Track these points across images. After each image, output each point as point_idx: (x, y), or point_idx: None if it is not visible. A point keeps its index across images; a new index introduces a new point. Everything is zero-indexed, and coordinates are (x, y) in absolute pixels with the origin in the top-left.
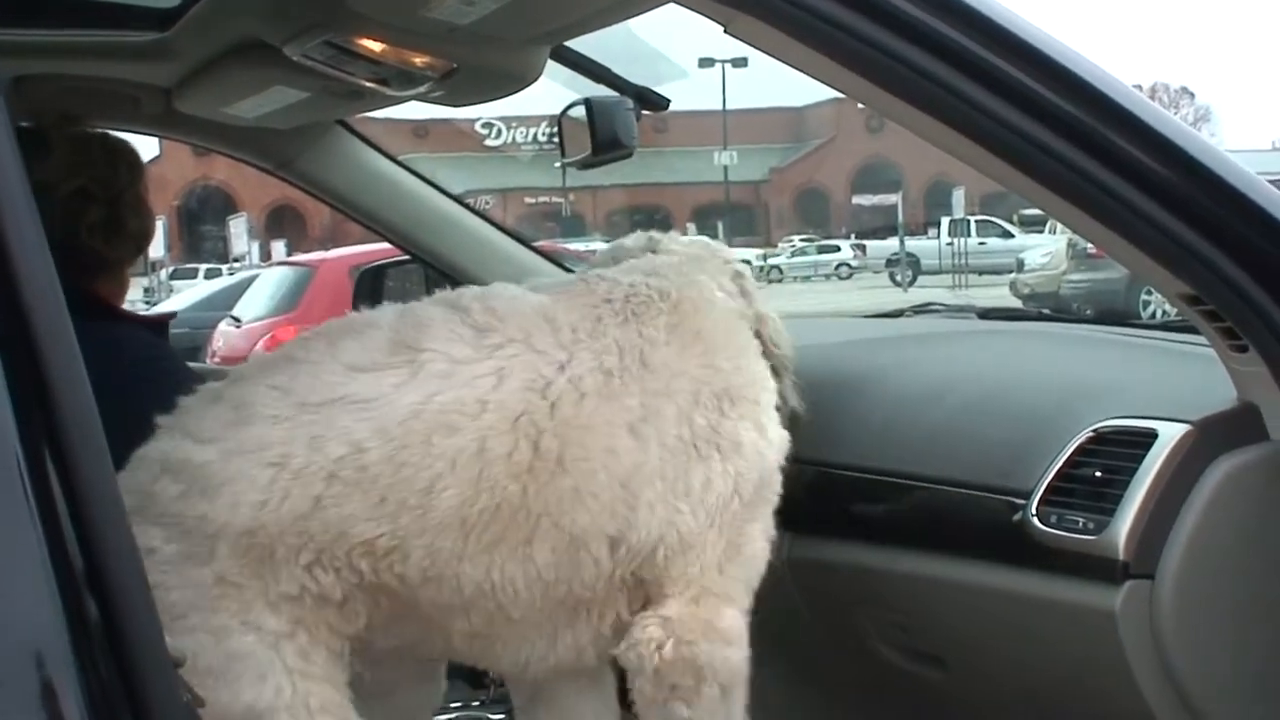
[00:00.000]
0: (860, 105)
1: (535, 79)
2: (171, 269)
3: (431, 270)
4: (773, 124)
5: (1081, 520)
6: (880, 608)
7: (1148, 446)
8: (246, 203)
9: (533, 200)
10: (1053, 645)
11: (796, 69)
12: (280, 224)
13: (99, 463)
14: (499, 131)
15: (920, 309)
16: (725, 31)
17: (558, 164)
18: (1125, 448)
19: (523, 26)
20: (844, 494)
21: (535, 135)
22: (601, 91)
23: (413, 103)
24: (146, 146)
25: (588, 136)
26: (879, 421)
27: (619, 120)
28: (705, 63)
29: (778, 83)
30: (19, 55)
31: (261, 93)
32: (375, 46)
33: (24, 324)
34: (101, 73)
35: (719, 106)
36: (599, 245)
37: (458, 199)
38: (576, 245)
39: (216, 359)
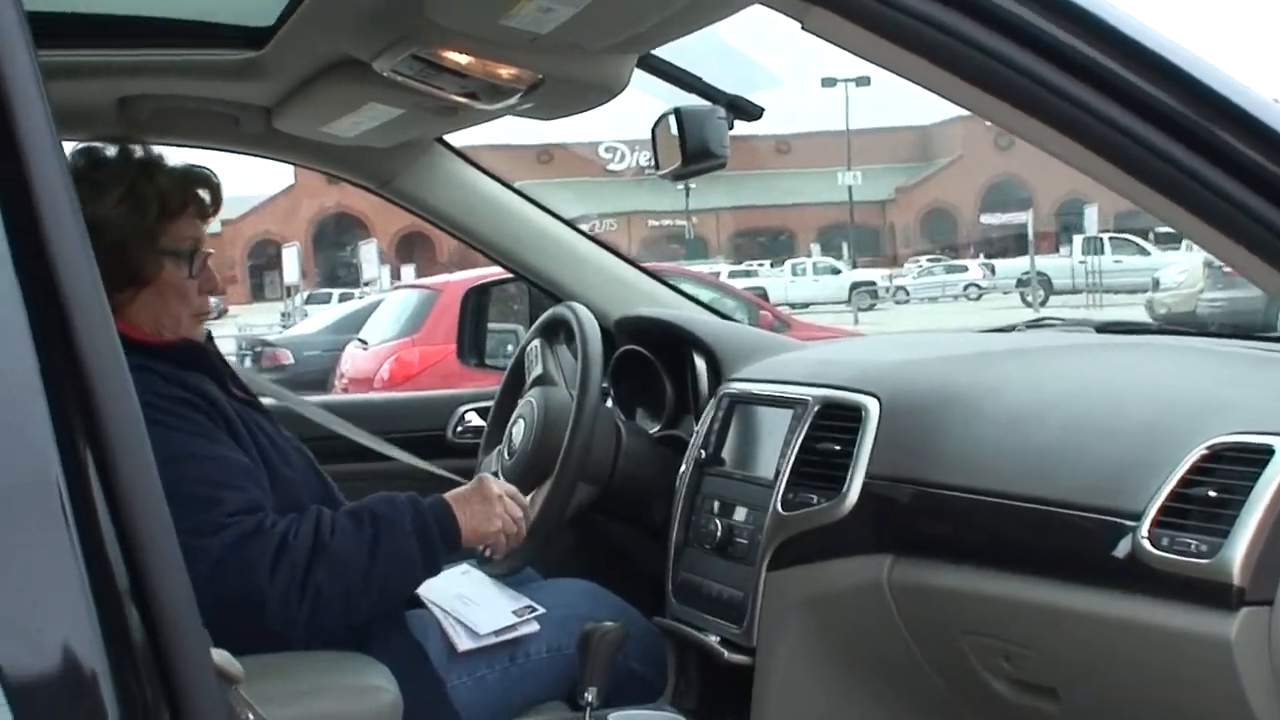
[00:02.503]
0: (988, 123)
1: (622, 89)
2: (306, 294)
3: (535, 288)
4: (898, 143)
5: (1194, 543)
6: (986, 635)
7: (1264, 464)
8: (378, 229)
9: (656, 223)
10: (1165, 675)
11: (887, 69)
12: (410, 249)
13: (143, 469)
14: (621, 155)
15: (1034, 323)
16: (803, 28)
17: (680, 186)
18: (1242, 465)
19: (603, 34)
20: (947, 515)
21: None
22: (694, 101)
23: (536, 128)
24: (283, 175)
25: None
26: (984, 439)
27: (710, 129)
28: (828, 82)
29: (903, 101)
30: (121, 75)
31: (357, 110)
32: (461, 59)
33: (66, 329)
34: (200, 92)
35: (842, 126)
36: (722, 267)
37: (557, 215)
38: (699, 267)
39: (344, 380)
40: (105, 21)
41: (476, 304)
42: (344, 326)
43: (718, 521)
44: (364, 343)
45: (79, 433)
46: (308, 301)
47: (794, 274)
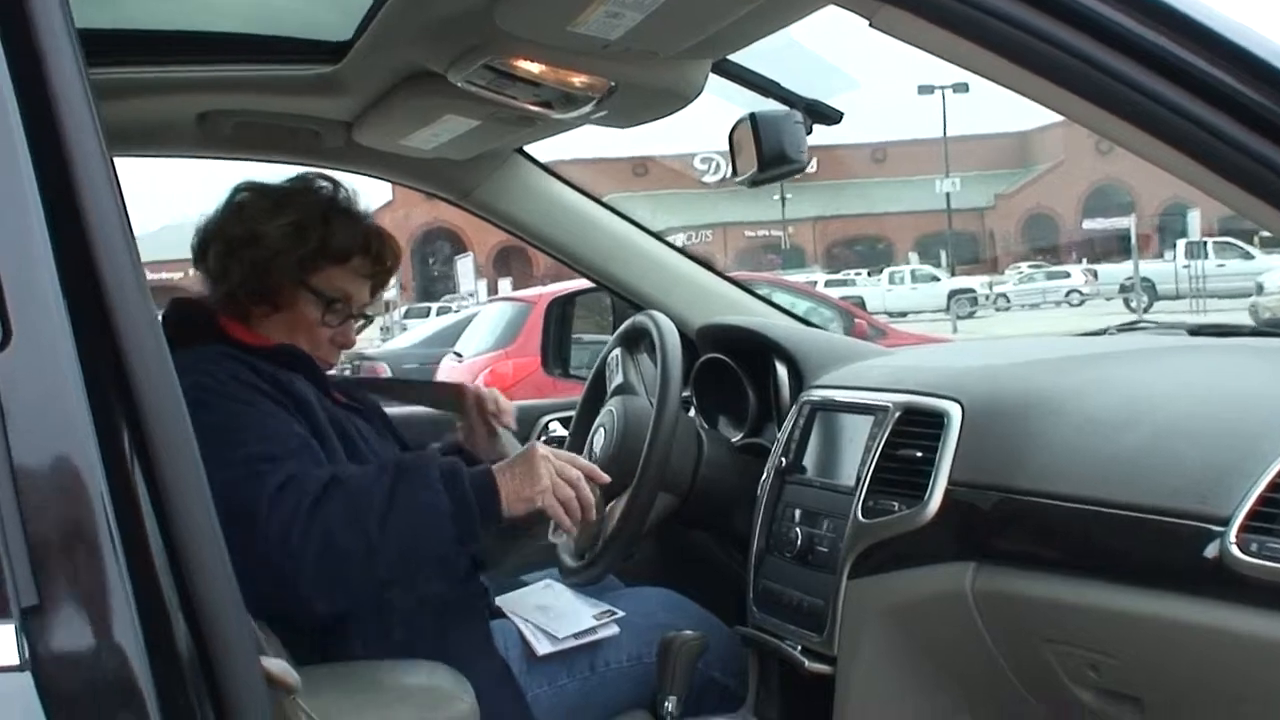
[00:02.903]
0: None
1: (696, 94)
2: (405, 309)
3: (618, 298)
4: (997, 149)
5: None
6: (1072, 644)
7: None
8: (475, 243)
9: (752, 234)
10: (1255, 685)
11: (957, 64)
12: (507, 263)
13: (191, 475)
14: (716, 166)
15: (1126, 326)
16: (870, 25)
17: (775, 196)
18: None
19: (673, 40)
20: (1031, 522)
21: None
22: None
23: (629, 142)
24: (380, 191)
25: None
26: (1069, 444)
27: (786, 134)
28: (924, 90)
29: (1001, 107)
30: (199, 90)
31: (434, 123)
32: (533, 68)
33: (111, 328)
34: (279, 108)
35: (939, 134)
36: (819, 276)
37: (639, 225)
38: (795, 277)
39: None
40: (183, 38)
41: (561, 314)
42: (440, 340)
43: (799, 530)
44: (459, 355)
45: (123, 434)
46: (406, 316)
47: (892, 282)
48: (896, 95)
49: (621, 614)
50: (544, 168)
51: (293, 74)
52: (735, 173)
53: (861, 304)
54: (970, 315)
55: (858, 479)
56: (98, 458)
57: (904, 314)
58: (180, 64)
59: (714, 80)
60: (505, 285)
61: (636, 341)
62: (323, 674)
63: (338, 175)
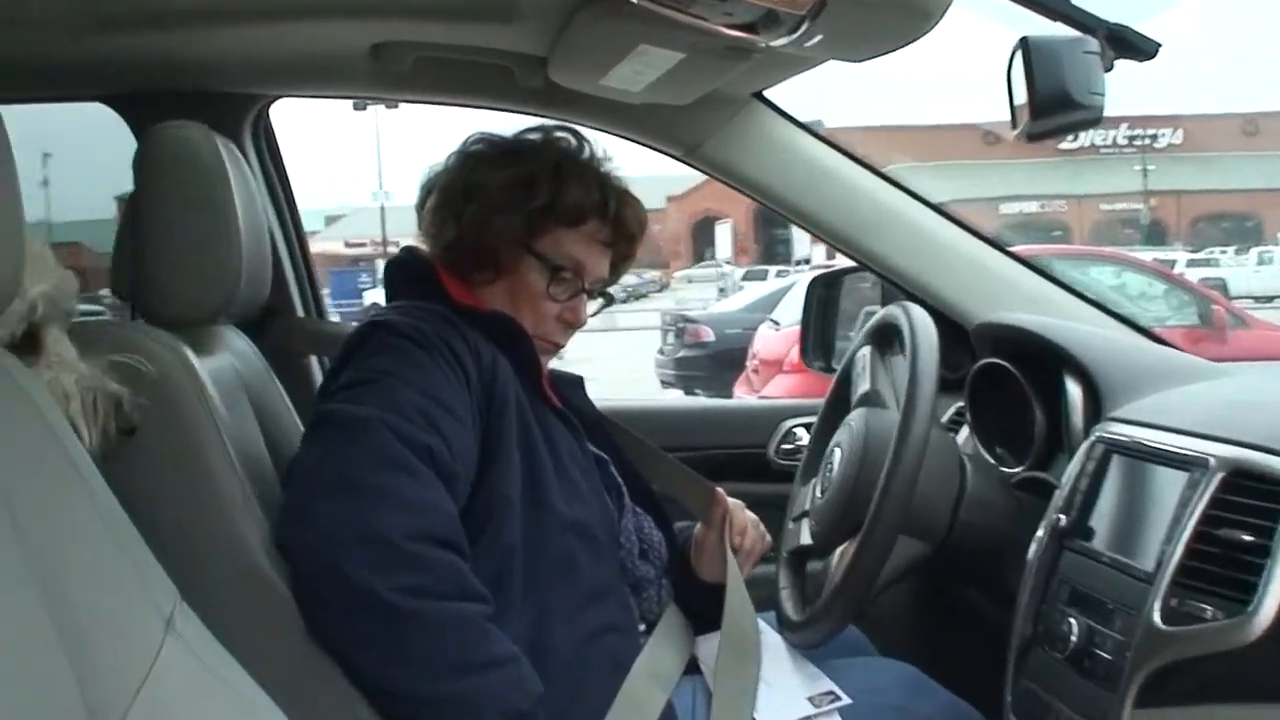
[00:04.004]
0: None
1: (940, 12)
2: (744, 270)
3: (883, 279)
4: None
5: None
6: None
7: None
8: None
9: (1109, 206)
10: None
11: None
12: None
13: None
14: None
15: None
16: None
17: (1137, 168)
18: None
19: None
20: None
21: (1115, 138)
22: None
23: (982, 109)
24: None
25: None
26: None
27: (1070, 68)
28: None
29: None
30: (371, 16)
31: (631, 56)
32: None
33: None
34: (463, 39)
35: None
36: (1180, 255)
37: (913, 193)
38: (1144, 254)
39: (755, 360)
40: None
41: (824, 296)
42: (763, 305)
43: (1073, 620)
44: (776, 323)
45: None
46: (745, 278)
47: (1260, 263)
48: (1271, 63)
49: (847, 701)
50: (791, 119)
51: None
52: (1014, 124)
53: (1223, 287)
54: None
55: (1159, 562)
56: None
57: (1271, 299)
58: None
59: None
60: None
61: (889, 339)
62: None
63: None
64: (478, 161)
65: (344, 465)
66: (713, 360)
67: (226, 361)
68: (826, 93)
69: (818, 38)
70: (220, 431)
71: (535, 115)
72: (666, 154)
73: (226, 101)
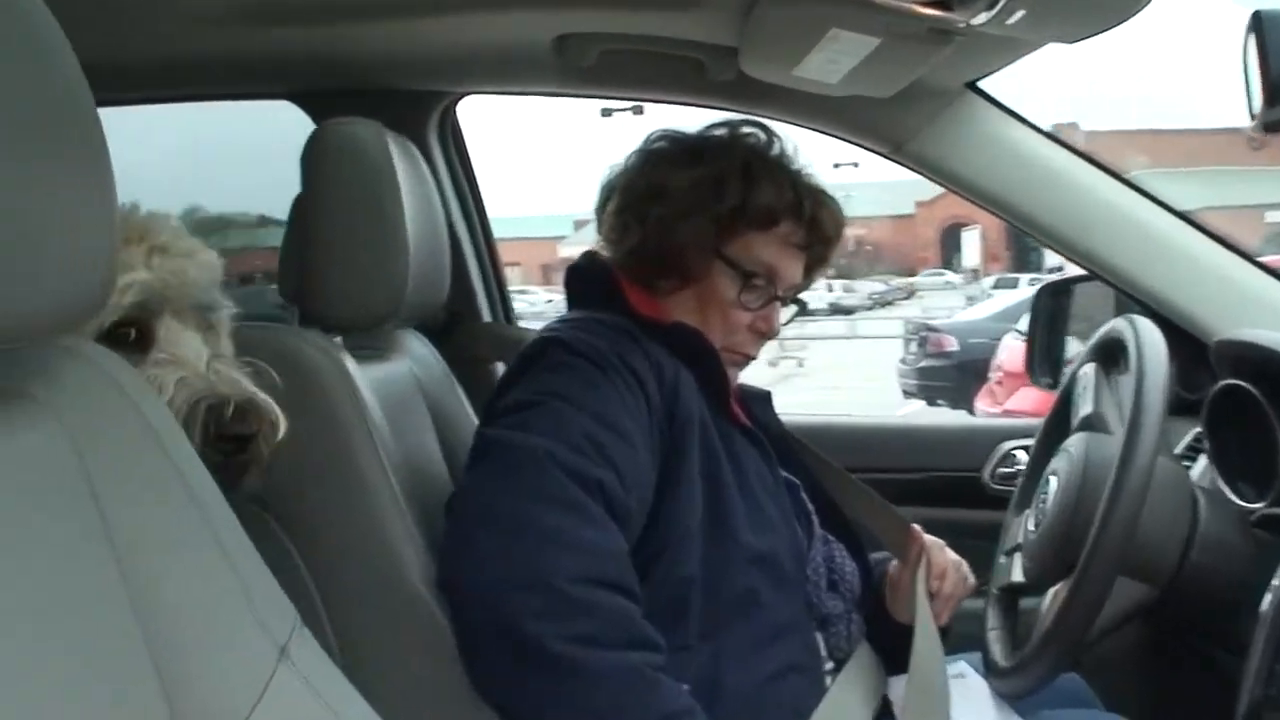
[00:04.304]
0: None
1: None
2: (995, 278)
3: (1116, 289)
4: None
5: None
6: None
7: None
8: None
9: None
10: None
11: None
12: None
13: None
14: None
15: None
16: None
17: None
18: None
19: None
20: None
21: None
22: None
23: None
24: None
25: None
26: None
27: None
28: None
29: None
30: (557, 6)
31: (824, 43)
32: None
33: None
34: (650, 29)
35: None
36: None
37: (1154, 198)
38: None
39: (999, 372)
40: None
41: (1051, 306)
42: (1010, 315)
43: None
44: (1021, 333)
45: None
46: (995, 286)
47: None
48: None
49: None
50: (1010, 111)
51: None
52: (1250, 113)
53: None
54: None
55: None
56: None
57: None
58: None
59: None
60: None
61: (1114, 356)
62: None
63: (773, 125)
64: (661, 160)
65: (510, 501)
66: (957, 370)
67: (404, 367)
68: (1089, 94)
69: (1019, 13)
70: (375, 440)
71: (729, 110)
72: (872, 150)
73: (410, 100)
